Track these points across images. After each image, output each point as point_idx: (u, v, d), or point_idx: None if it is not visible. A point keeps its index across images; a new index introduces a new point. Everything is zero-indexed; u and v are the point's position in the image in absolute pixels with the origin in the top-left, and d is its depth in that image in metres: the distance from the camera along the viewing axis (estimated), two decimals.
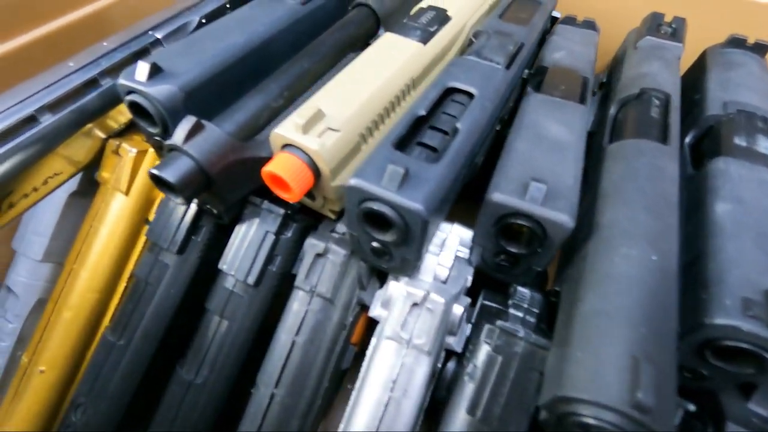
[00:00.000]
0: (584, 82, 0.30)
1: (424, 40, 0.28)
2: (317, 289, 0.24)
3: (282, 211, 0.25)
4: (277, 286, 0.26)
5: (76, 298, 0.28)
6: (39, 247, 0.29)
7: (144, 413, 0.28)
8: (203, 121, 0.21)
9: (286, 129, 0.21)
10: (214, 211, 0.25)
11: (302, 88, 0.27)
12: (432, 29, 0.29)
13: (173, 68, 0.24)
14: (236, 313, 0.25)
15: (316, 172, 0.22)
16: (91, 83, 0.25)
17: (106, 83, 0.26)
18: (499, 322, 0.21)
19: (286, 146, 0.22)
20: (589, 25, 0.39)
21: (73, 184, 0.30)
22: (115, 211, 0.28)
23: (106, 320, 0.29)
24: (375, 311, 0.25)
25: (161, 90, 0.22)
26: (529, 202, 0.20)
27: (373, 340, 0.24)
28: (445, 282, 0.23)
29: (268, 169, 0.21)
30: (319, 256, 0.24)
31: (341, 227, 0.25)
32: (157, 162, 0.29)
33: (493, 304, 0.25)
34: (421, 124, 0.23)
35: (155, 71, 0.23)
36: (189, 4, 0.31)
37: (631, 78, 0.29)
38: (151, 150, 0.28)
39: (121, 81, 0.23)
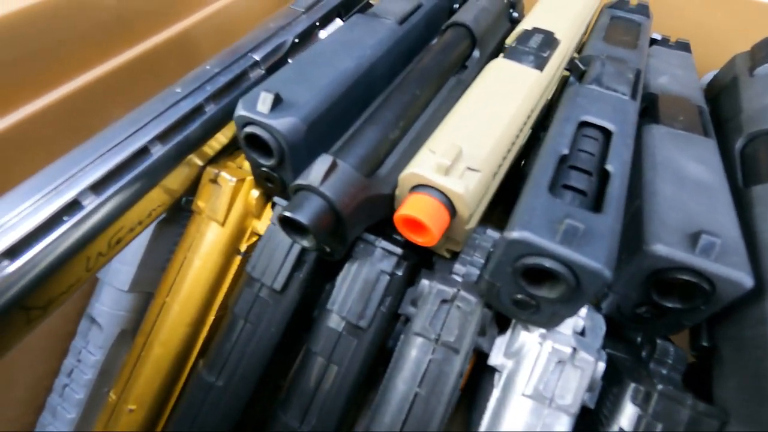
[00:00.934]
0: (700, 111, 0.28)
1: (540, 66, 0.26)
2: (443, 338, 0.22)
3: (399, 250, 0.23)
4: (384, 328, 0.25)
5: (168, 332, 0.27)
6: (126, 276, 0.28)
7: None
8: (336, 160, 0.20)
9: (426, 170, 0.20)
10: (327, 249, 0.23)
11: (414, 117, 0.25)
12: (545, 54, 0.27)
13: (291, 98, 0.22)
14: (345, 357, 0.24)
15: (452, 214, 0.20)
16: (197, 110, 0.24)
17: (210, 110, 0.25)
18: (660, 387, 0.19)
19: (420, 186, 0.20)
20: (684, 46, 0.37)
21: None
22: (209, 242, 0.27)
23: (194, 354, 0.28)
24: (497, 360, 0.23)
25: (285, 123, 0.21)
26: (701, 257, 0.18)
27: (496, 393, 0.23)
28: (582, 334, 0.21)
29: (408, 212, 0.19)
30: (444, 302, 0.22)
31: (459, 268, 0.24)
32: (252, 191, 0.27)
33: (622, 355, 0.24)
34: (560, 164, 0.21)
35: (277, 102, 0.21)
36: (281, 23, 0.30)
37: (757, 110, 0.27)
38: (249, 179, 0.27)
39: (242, 113, 0.21)
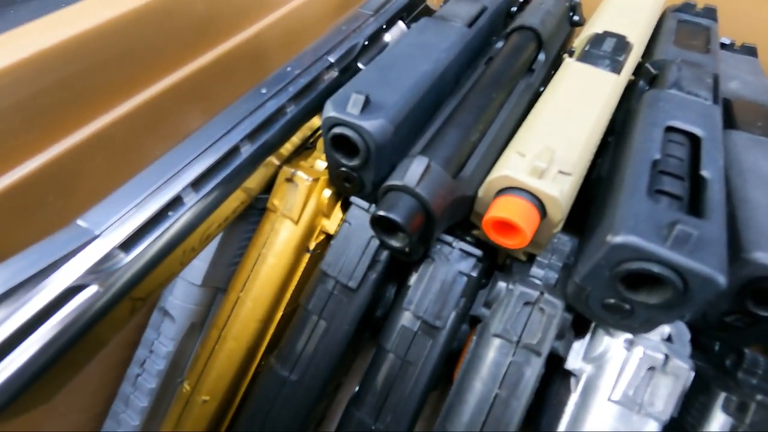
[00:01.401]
0: None
1: (617, 70, 0.26)
2: (524, 340, 0.22)
3: (478, 252, 0.24)
4: (456, 329, 0.25)
5: (240, 327, 0.27)
6: (199, 271, 0.29)
7: None
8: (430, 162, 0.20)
9: (519, 172, 0.20)
10: (406, 250, 0.24)
11: (490, 120, 0.25)
12: (620, 58, 0.27)
13: (377, 100, 0.23)
14: (420, 356, 0.24)
15: (542, 216, 0.20)
16: (280, 111, 0.25)
17: (291, 111, 0.25)
18: (760, 397, 0.19)
19: (509, 189, 0.21)
20: (750, 51, 0.36)
21: None
22: (283, 239, 0.27)
23: (262, 350, 0.29)
24: (575, 364, 0.23)
25: (375, 124, 0.21)
26: None
27: (574, 397, 0.23)
28: (669, 340, 0.21)
29: (502, 215, 0.19)
30: (527, 304, 0.22)
31: (537, 271, 0.24)
32: (324, 191, 0.28)
33: (699, 363, 0.23)
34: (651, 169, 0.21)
35: (366, 104, 0.22)
36: (352, 26, 0.30)
37: None
38: (323, 178, 0.27)
39: (332, 114, 0.22)
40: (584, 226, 0.24)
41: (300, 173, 0.27)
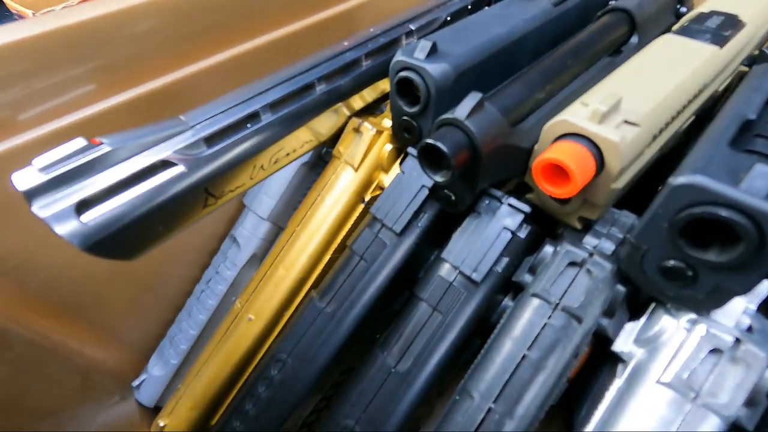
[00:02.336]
0: None
1: (719, 43, 0.24)
2: (564, 302, 0.20)
3: (527, 208, 0.23)
4: (494, 290, 0.24)
5: (292, 258, 0.30)
6: (267, 206, 0.33)
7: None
8: (484, 100, 0.20)
9: (578, 117, 0.19)
10: (452, 197, 0.24)
11: (561, 85, 0.25)
12: (726, 33, 0.24)
13: (446, 50, 0.24)
14: (452, 308, 0.24)
15: (599, 168, 0.19)
16: (356, 62, 0.27)
17: (366, 65, 0.28)
18: None
19: (567, 136, 0.20)
20: None
21: (306, 155, 0.32)
22: (342, 184, 0.29)
23: (307, 285, 0.31)
24: (624, 347, 0.20)
25: (437, 68, 0.23)
26: None
27: (618, 382, 0.20)
28: (749, 332, 0.18)
29: (551, 155, 0.19)
30: (572, 265, 0.21)
31: (591, 240, 0.22)
32: (386, 145, 0.29)
33: None
34: (745, 131, 0.19)
35: (434, 50, 0.23)
36: (439, 2, 0.32)
37: None
38: (386, 132, 0.29)
39: (400, 58, 0.23)
40: None
41: (366, 124, 0.29)
